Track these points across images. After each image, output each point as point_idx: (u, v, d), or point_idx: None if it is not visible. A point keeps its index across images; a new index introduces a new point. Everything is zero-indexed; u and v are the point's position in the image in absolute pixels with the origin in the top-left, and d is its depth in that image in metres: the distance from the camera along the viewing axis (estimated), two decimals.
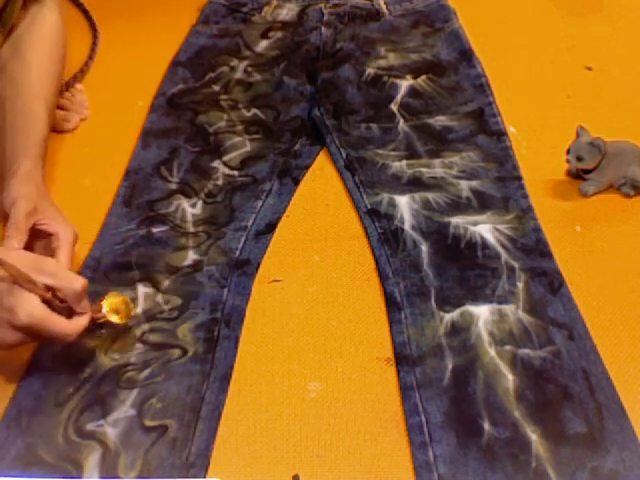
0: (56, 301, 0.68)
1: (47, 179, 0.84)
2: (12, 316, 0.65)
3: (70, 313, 0.70)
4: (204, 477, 0.67)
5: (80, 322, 0.70)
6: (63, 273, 0.69)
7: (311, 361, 0.77)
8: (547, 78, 1.13)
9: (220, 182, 0.95)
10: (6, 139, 0.83)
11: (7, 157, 0.81)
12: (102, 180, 0.95)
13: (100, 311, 0.73)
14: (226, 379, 0.75)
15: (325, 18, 1.17)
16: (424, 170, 0.95)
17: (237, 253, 0.86)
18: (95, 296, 0.74)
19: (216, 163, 0.97)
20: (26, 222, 0.74)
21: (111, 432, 0.69)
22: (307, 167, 0.99)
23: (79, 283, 0.69)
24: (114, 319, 0.74)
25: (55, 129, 1.00)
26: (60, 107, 1.04)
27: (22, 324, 0.66)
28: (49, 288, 0.68)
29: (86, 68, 1.14)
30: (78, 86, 1.11)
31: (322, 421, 0.71)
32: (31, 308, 0.66)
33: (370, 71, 1.10)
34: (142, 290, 0.82)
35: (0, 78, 0.88)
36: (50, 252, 0.75)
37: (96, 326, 0.74)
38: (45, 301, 0.67)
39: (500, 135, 1.00)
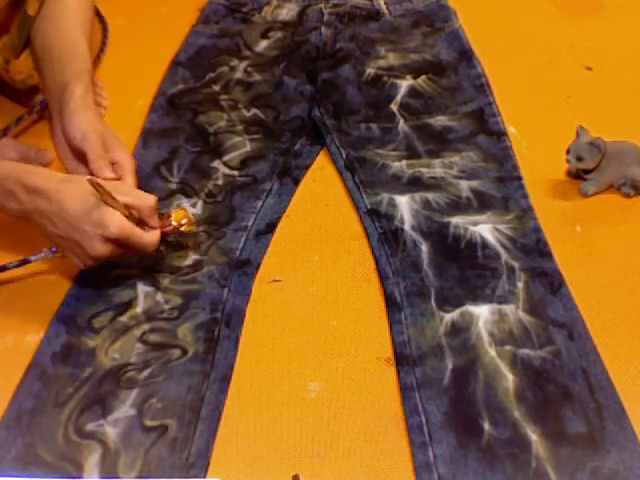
0: (131, 218, 0.75)
1: None
2: (104, 229, 0.73)
3: (142, 228, 0.77)
4: (204, 477, 0.67)
5: (156, 235, 0.78)
6: (137, 192, 0.78)
7: (311, 361, 0.77)
8: (547, 78, 1.13)
9: (220, 182, 0.95)
10: (55, 70, 0.88)
11: (58, 85, 0.86)
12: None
13: (169, 225, 0.80)
14: (226, 379, 0.75)
15: (325, 18, 1.17)
16: (424, 170, 0.95)
17: (237, 253, 0.86)
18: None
19: (216, 163, 0.97)
20: (104, 153, 0.81)
21: (111, 432, 0.69)
22: (307, 167, 0.99)
23: (152, 199, 0.77)
24: (182, 228, 0.81)
25: None
26: None
27: (113, 236, 0.73)
28: (126, 206, 0.75)
29: (98, 61, 1.14)
30: (98, 82, 1.11)
31: (322, 421, 0.71)
32: (120, 221, 0.73)
33: (370, 71, 1.10)
34: (142, 289, 0.82)
35: (43, 22, 0.93)
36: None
37: (165, 238, 0.82)
38: (126, 217, 0.74)
39: (500, 135, 1.00)
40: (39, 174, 0.76)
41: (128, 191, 0.77)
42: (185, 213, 0.82)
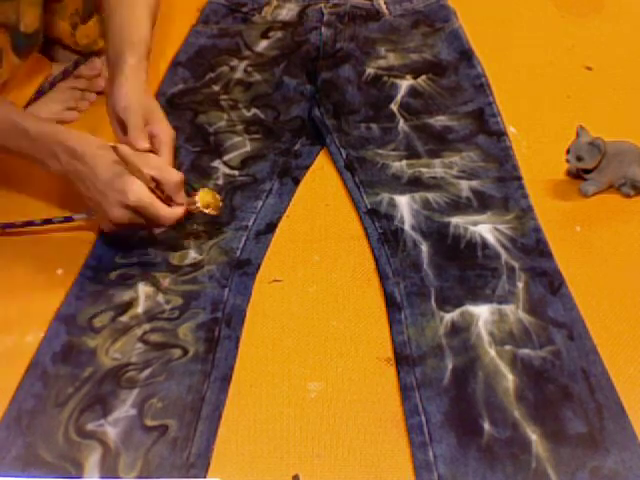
0: (158, 192, 0.78)
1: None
2: (123, 196, 0.76)
3: (168, 204, 0.79)
4: (204, 477, 0.67)
5: (178, 210, 0.80)
6: (166, 167, 0.81)
7: (311, 361, 0.77)
8: (547, 78, 1.13)
9: (220, 182, 0.95)
10: (115, 38, 0.91)
11: (116, 53, 0.89)
12: None
13: (194, 204, 0.82)
14: (226, 379, 0.75)
15: (325, 18, 1.17)
16: (424, 170, 0.95)
17: (238, 253, 0.86)
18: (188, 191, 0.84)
19: (216, 163, 0.97)
20: (143, 125, 0.84)
21: (112, 432, 0.69)
22: (307, 167, 0.99)
23: (179, 176, 0.80)
24: (206, 211, 0.83)
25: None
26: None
27: (131, 204, 0.76)
28: (153, 179, 0.78)
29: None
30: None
31: (322, 421, 0.71)
32: (139, 191, 0.76)
33: (370, 71, 1.10)
34: (143, 290, 0.82)
35: None
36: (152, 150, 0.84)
37: (189, 217, 0.85)
38: (149, 189, 0.77)
39: (500, 135, 1.00)
40: (78, 137, 0.80)
41: (156, 165, 0.80)
42: (212, 195, 0.84)
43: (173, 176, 0.80)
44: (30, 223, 0.87)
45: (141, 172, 0.77)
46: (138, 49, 0.89)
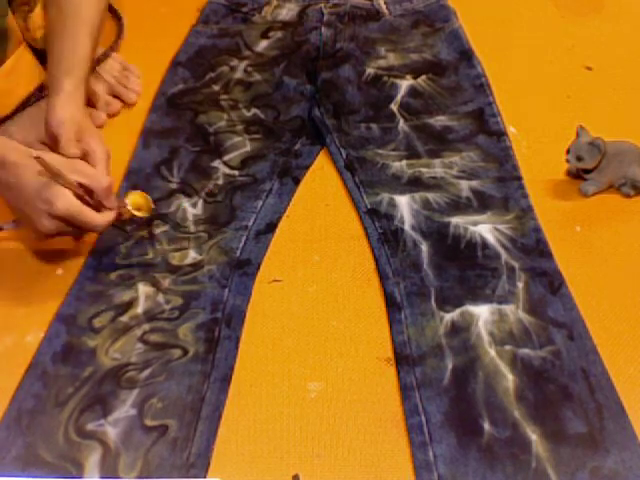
0: (87, 197, 0.77)
1: None
2: (50, 206, 0.75)
3: (98, 210, 0.79)
4: (204, 477, 0.67)
5: (108, 216, 0.80)
6: (93, 172, 0.80)
7: (311, 361, 0.77)
8: (547, 78, 1.13)
9: (220, 182, 0.95)
10: (53, 60, 0.90)
11: (52, 76, 0.89)
12: None
13: (125, 207, 0.82)
14: (226, 379, 0.75)
15: (325, 18, 1.17)
16: (424, 170, 0.95)
17: (238, 253, 0.86)
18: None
19: (216, 163, 0.97)
20: (75, 140, 0.83)
21: (112, 432, 0.70)
22: (307, 167, 0.99)
23: (107, 181, 0.79)
24: (137, 213, 0.83)
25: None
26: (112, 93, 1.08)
27: (59, 214, 0.76)
28: (81, 186, 0.77)
29: (116, 45, 1.15)
30: (132, 67, 1.12)
31: (322, 421, 0.71)
32: (67, 200, 0.75)
33: (370, 71, 1.10)
34: (143, 290, 0.82)
35: (51, 7, 0.95)
36: None
37: (120, 221, 0.84)
38: (77, 197, 0.76)
39: (500, 135, 1.00)
40: (7, 146, 0.79)
41: (84, 171, 0.79)
42: (142, 197, 0.84)
43: (101, 181, 0.79)
44: None
45: (66, 179, 0.75)
46: (77, 73, 0.88)
